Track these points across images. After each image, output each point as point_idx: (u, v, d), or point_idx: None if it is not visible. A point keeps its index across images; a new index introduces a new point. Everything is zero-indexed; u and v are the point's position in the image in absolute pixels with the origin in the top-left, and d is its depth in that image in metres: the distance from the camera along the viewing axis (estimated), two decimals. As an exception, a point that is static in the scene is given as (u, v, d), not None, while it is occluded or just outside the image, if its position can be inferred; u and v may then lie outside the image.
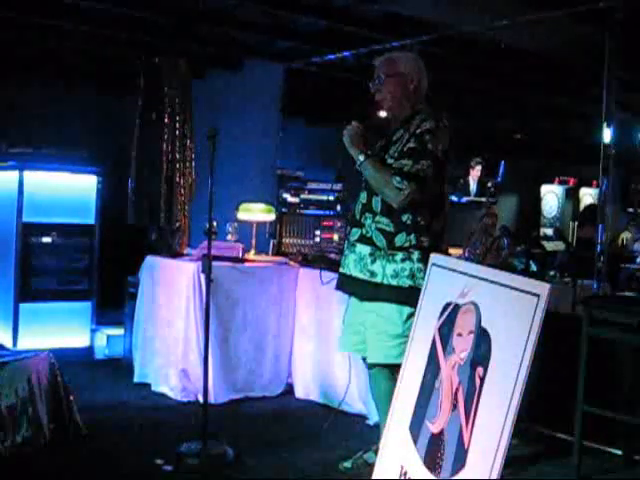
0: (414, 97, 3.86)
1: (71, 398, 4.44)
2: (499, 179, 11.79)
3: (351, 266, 3.83)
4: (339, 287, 4.03)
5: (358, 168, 3.79)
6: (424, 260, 3.61)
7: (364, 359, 4.00)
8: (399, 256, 3.69)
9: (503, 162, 11.71)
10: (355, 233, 3.84)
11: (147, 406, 5.27)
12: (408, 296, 3.63)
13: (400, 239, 3.70)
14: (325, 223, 6.29)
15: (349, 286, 3.91)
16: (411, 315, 3.60)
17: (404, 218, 3.70)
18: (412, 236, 3.69)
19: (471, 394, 2.85)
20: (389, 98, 3.86)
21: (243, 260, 5.73)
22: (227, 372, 5.42)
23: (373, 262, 3.74)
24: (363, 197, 3.85)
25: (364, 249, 3.77)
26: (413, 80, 3.85)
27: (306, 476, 4.08)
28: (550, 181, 14.82)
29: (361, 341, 3.91)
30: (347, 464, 4.09)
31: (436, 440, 3.01)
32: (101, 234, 6.91)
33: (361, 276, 3.79)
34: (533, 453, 4.58)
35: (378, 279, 3.72)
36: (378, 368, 3.86)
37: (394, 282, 3.69)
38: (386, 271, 3.70)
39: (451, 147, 3.72)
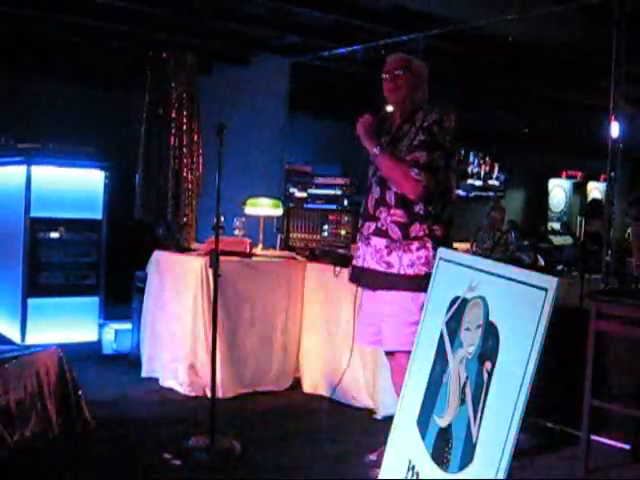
0: (418, 96, 3.97)
1: (79, 393, 4.45)
2: (507, 173, 11.79)
3: (368, 258, 3.89)
4: (353, 280, 4.08)
5: (373, 160, 3.88)
6: (438, 248, 3.66)
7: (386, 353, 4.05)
8: (414, 245, 3.78)
9: (510, 156, 11.71)
10: (369, 227, 3.91)
11: (155, 401, 5.28)
12: (424, 283, 3.64)
13: (414, 229, 3.79)
14: (332, 217, 6.24)
15: (364, 278, 3.95)
16: None
17: (417, 209, 3.79)
18: (425, 225, 3.79)
19: (479, 389, 2.84)
20: (396, 92, 3.96)
21: (250, 255, 5.73)
22: (235, 366, 5.44)
23: (389, 254, 3.82)
24: (376, 192, 3.91)
25: (380, 242, 3.85)
26: (420, 80, 3.99)
27: (314, 470, 4.08)
28: (557, 175, 14.78)
29: (376, 332, 3.95)
30: (372, 457, 4.06)
31: (444, 435, 3.00)
32: (108, 229, 6.90)
33: (378, 267, 3.85)
34: (541, 447, 4.58)
35: (395, 270, 3.80)
36: None
37: (410, 271, 3.77)
38: (403, 262, 3.78)
39: (457, 137, 3.84)
